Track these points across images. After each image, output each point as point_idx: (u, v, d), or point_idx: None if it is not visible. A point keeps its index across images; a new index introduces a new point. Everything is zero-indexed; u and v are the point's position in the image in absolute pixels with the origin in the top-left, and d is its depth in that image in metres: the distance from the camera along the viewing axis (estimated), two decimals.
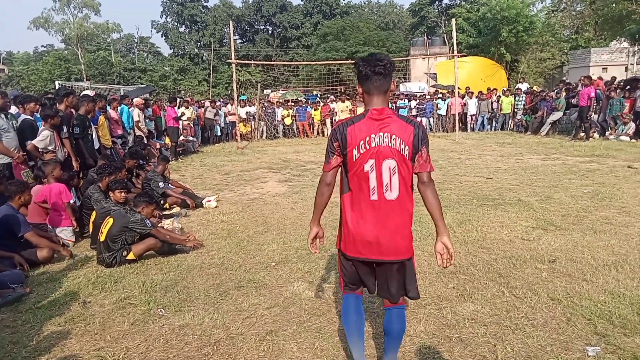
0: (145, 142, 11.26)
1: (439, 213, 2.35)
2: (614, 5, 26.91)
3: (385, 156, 2.27)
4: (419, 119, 18.52)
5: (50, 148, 6.28)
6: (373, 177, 2.29)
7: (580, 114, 13.75)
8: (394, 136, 2.27)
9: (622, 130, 13.33)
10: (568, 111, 15.34)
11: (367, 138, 2.27)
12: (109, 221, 4.75)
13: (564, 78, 23.91)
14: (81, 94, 9.62)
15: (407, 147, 2.27)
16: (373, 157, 2.28)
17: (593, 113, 13.72)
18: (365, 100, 2.36)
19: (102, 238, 4.71)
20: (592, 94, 13.36)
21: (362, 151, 2.28)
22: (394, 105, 18.99)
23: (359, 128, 2.29)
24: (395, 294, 2.47)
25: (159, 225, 5.89)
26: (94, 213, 5.36)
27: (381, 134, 2.27)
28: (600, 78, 16.58)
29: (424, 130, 2.35)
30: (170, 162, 11.37)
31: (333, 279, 4.09)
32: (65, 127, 6.71)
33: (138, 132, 11.38)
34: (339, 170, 2.42)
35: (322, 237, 2.59)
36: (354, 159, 2.30)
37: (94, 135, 7.82)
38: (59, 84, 19.81)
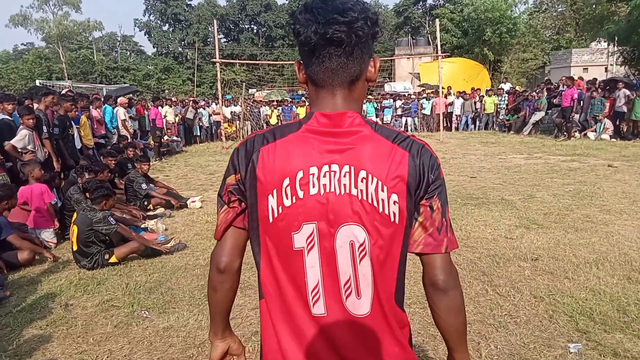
0: (130, 141, 11.14)
1: (456, 339, 1.16)
2: (594, 6, 27.44)
3: (342, 218, 1.06)
4: (404, 118, 18.66)
5: (29, 148, 6.17)
6: (315, 265, 1.09)
7: (562, 113, 14.02)
8: (362, 173, 1.06)
9: (600, 129, 13.58)
10: (550, 111, 15.60)
11: (301, 175, 1.07)
12: (74, 229, 4.67)
13: (546, 78, 24.29)
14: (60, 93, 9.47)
15: (394, 197, 1.06)
16: (313, 219, 1.07)
17: (575, 114, 14.00)
18: (310, 96, 1.15)
19: (74, 247, 4.64)
20: (575, 95, 13.64)
21: (287, 203, 1.07)
22: (378, 105, 19.02)
23: (284, 150, 1.09)
24: None
25: (142, 226, 5.85)
26: (75, 214, 5.28)
27: (335, 167, 1.06)
28: (580, 78, 16.88)
29: (433, 156, 1.10)
30: (155, 162, 11.28)
31: None
32: (45, 127, 6.60)
33: (123, 132, 11.25)
34: (246, 237, 1.19)
35: (239, 355, 1.30)
36: (271, 219, 1.09)
37: (75, 136, 7.71)
38: (40, 83, 19.49)
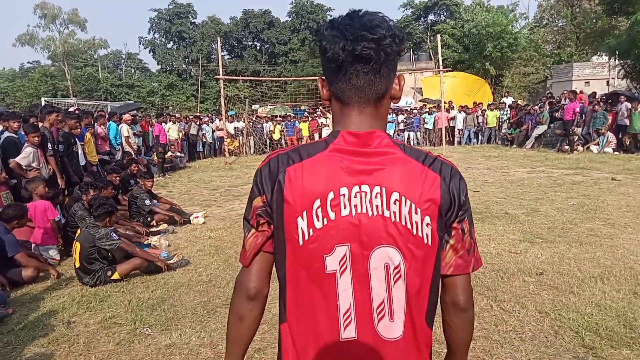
0: (134, 158, 11.20)
1: (464, 352, 1.21)
2: (594, 20, 27.63)
3: (376, 240, 1.05)
4: (406, 133, 18.70)
5: (34, 165, 6.21)
6: (347, 288, 1.06)
7: (564, 127, 14.06)
8: (395, 195, 1.05)
9: (603, 142, 13.57)
10: (552, 124, 15.62)
11: (332, 195, 1.04)
12: (77, 246, 4.68)
13: (548, 92, 24.36)
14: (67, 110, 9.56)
15: (427, 220, 1.06)
16: (346, 241, 1.05)
17: (576, 127, 14.03)
18: (334, 113, 1.13)
19: (77, 264, 4.64)
20: (577, 109, 13.70)
21: (318, 225, 1.05)
22: None
23: (312, 170, 1.06)
24: None
25: (145, 242, 5.85)
26: (79, 230, 5.29)
27: (365, 187, 1.05)
28: (581, 92, 16.93)
29: (462, 179, 1.13)
30: (158, 178, 11.32)
31: None
32: (50, 145, 6.65)
33: (127, 148, 11.32)
34: (273, 261, 1.16)
35: None
36: (301, 242, 1.07)
37: (79, 152, 7.76)
38: (45, 101, 19.68)
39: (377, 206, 1.04)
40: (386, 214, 1.04)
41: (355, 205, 1.04)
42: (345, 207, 1.04)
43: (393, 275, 1.06)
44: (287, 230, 1.07)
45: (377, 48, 1.02)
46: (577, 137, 14.14)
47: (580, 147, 14.04)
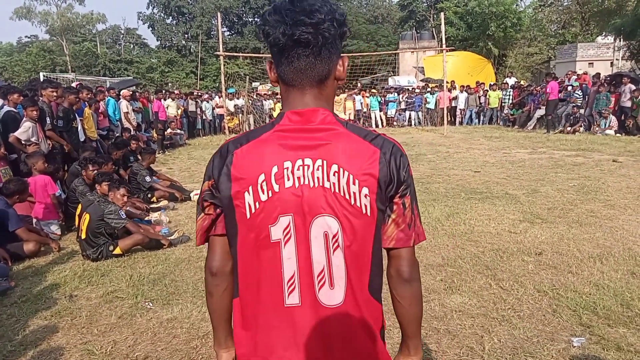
0: (134, 134, 11.14)
1: (415, 327, 1.21)
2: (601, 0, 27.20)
3: (316, 209, 1.09)
4: (408, 112, 18.59)
5: (32, 140, 6.18)
6: (291, 257, 1.11)
7: (547, 107, 14.64)
8: (334, 167, 1.08)
9: (605, 125, 13.53)
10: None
11: (276, 169, 1.09)
12: (86, 217, 4.70)
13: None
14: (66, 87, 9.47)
15: (365, 191, 1.09)
16: (289, 212, 1.10)
17: (538, 108, 14.75)
18: (281, 95, 1.18)
19: (82, 235, 4.66)
20: (549, 89, 14.31)
21: (264, 197, 1.09)
22: (382, 99, 18.96)
23: (257, 149, 1.12)
24: None
25: (146, 218, 5.87)
26: (79, 206, 5.30)
27: (308, 161, 1.09)
28: (585, 73, 16.78)
29: (403, 155, 1.14)
30: (158, 155, 11.28)
31: None
32: (48, 119, 6.61)
33: (126, 125, 11.25)
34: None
35: None
36: (248, 215, 1.11)
37: (79, 128, 7.72)
38: (44, 76, 19.50)
39: (318, 178, 1.09)
40: (326, 185, 1.09)
41: (299, 178, 1.09)
42: (288, 179, 1.09)
43: (332, 244, 1.10)
44: (236, 206, 1.12)
45: (316, 32, 1.05)
46: (580, 117, 14.12)
47: (582, 129, 14.00)
